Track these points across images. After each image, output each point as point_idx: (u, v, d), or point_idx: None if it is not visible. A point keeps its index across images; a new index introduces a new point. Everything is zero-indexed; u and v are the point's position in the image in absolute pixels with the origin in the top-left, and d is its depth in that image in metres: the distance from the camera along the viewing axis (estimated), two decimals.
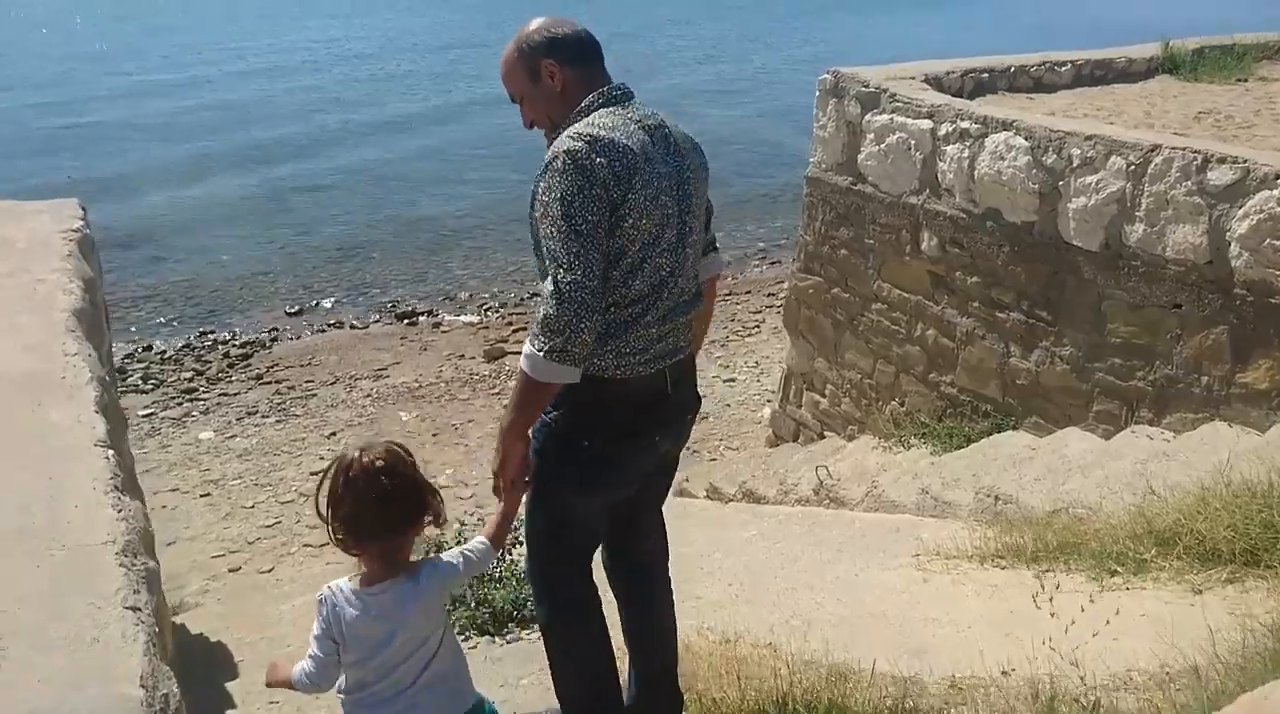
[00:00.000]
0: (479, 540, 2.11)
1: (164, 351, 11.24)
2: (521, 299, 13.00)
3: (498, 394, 9.57)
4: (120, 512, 2.31)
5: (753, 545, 4.99)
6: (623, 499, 2.36)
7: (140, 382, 10.29)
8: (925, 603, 3.40)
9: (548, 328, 1.98)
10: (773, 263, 14.52)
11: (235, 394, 9.96)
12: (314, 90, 25.28)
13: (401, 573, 1.92)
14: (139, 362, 10.97)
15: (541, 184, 2.05)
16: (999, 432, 5.39)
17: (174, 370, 10.65)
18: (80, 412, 2.72)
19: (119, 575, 2.08)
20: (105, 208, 16.01)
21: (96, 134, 20.90)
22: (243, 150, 19.73)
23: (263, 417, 9.29)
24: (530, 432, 2.15)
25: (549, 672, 2.45)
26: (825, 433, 6.95)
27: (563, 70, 2.20)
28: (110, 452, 2.54)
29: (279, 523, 7.07)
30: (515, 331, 11.63)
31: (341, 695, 1.98)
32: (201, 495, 7.58)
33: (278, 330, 11.82)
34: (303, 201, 16.87)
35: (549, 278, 2.00)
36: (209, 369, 10.65)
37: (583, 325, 1.97)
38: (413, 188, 17.97)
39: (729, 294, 12.90)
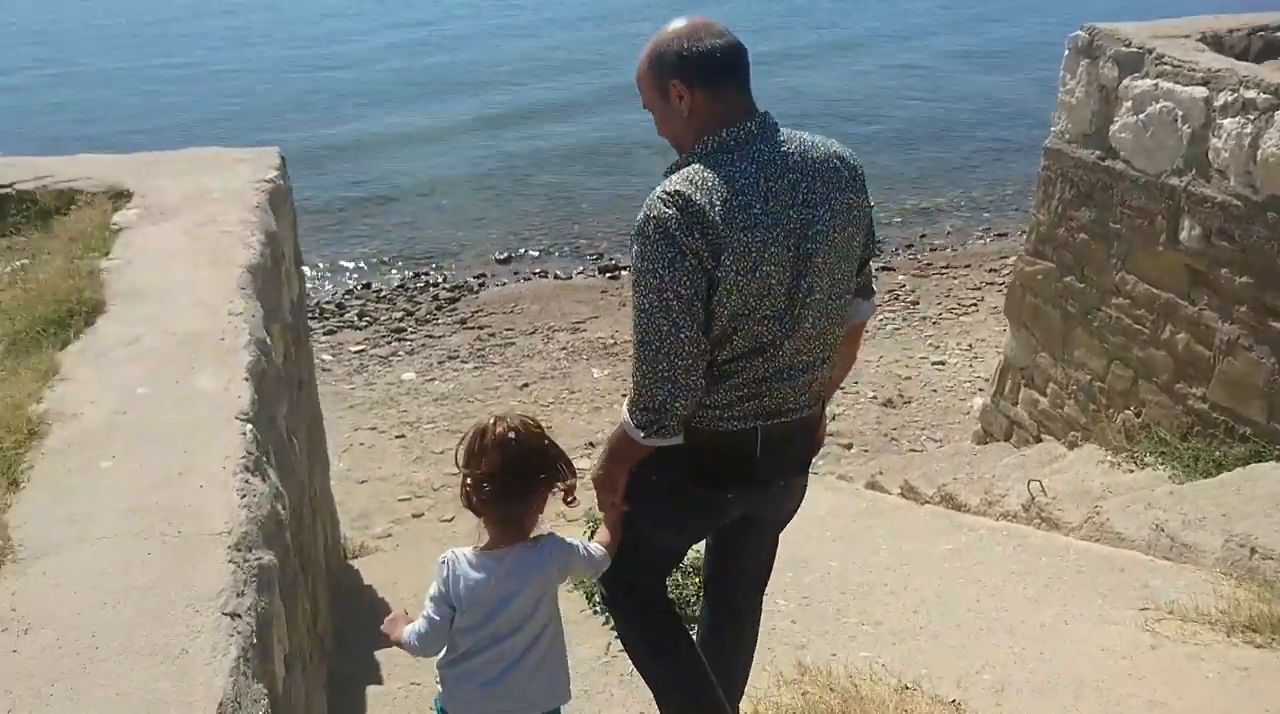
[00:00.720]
0: (597, 545, 2.11)
1: (380, 291, 11.69)
2: None
3: None
4: (245, 498, 2.17)
5: (947, 564, 4.48)
6: (701, 541, 2.38)
7: (356, 318, 10.75)
8: (1151, 678, 2.84)
9: (642, 406, 1.95)
10: (999, 235, 13.43)
11: (439, 337, 10.21)
12: (552, 51, 25.50)
13: (523, 542, 1.95)
14: (358, 298, 11.48)
15: (634, 249, 1.93)
16: (1259, 460, 4.58)
17: (387, 309, 11.05)
18: (230, 379, 2.63)
19: (226, 574, 1.93)
20: (344, 159, 16.94)
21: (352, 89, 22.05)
22: (477, 111, 20.10)
23: (462, 362, 9.47)
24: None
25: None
26: (1042, 436, 6.24)
27: (692, 94, 1.99)
28: (249, 427, 2.41)
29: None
30: None
31: (442, 665, 1.99)
32: (396, 436, 7.79)
33: (485, 276, 12.05)
34: (522, 154, 17.10)
35: (640, 350, 1.93)
36: (419, 310, 10.99)
37: (677, 404, 1.93)
38: (630, 145, 17.86)
39: (946, 267, 12.05)
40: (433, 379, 9.01)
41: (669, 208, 1.87)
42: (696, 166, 1.94)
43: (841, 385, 2.79)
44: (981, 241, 13.21)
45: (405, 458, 7.40)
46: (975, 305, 10.65)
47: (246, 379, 2.66)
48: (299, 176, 15.93)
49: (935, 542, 4.86)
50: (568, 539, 2.04)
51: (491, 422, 1.92)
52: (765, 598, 2.64)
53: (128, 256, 3.35)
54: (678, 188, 1.89)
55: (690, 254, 1.87)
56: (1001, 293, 11.09)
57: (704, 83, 1.98)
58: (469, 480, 1.92)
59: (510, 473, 1.89)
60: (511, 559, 1.93)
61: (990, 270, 11.81)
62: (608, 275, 11.99)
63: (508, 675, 1.94)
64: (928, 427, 7.66)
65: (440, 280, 12.02)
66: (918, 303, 10.77)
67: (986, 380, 8.41)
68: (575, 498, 1.98)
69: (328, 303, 11.30)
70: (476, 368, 9.27)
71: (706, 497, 2.14)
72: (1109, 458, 5.38)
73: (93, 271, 3.21)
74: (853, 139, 18.11)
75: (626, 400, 1.99)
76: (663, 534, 2.22)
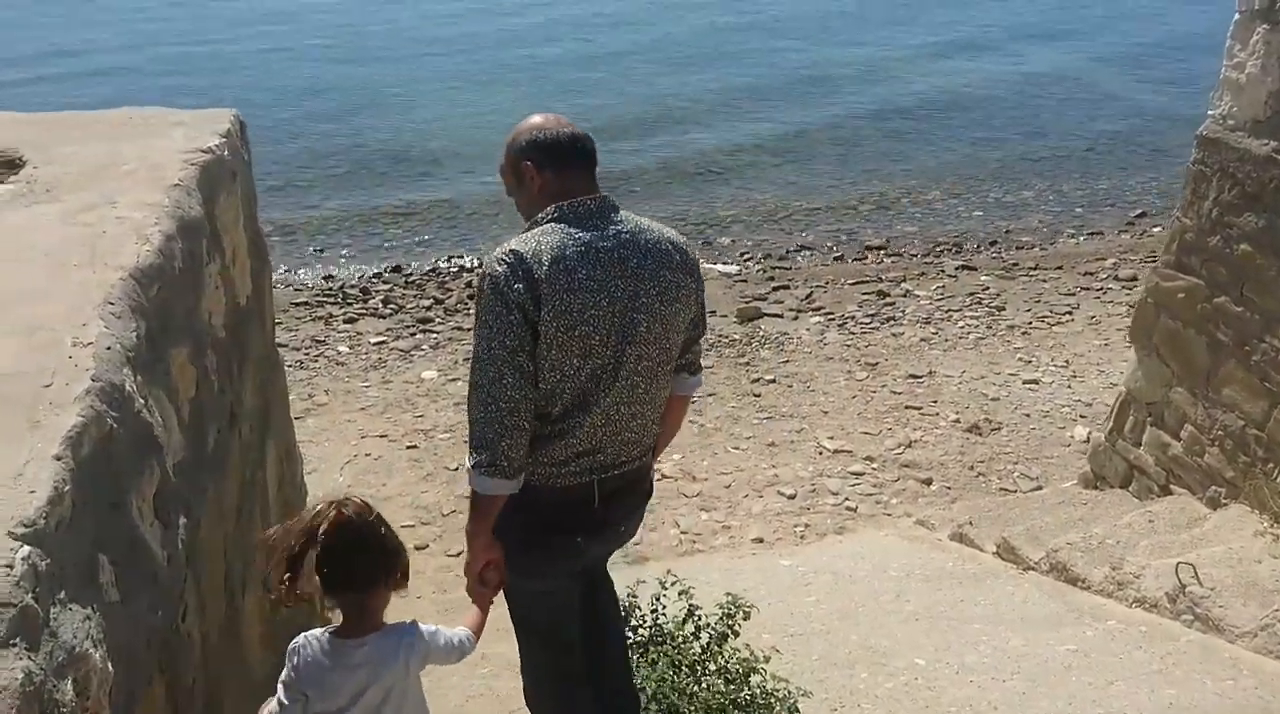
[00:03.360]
0: (462, 629, 2.14)
1: (410, 275, 10.82)
2: (788, 252, 11.58)
3: (746, 364, 8.28)
4: None
5: (1074, 677, 3.43)
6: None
7: (380, 305, 9.89)
8: None
9: (474, 444, 2.13)
10: (1092, 234, 12.16)
11: (469, 330, 9.27)
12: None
13: (377, 631, 1.93)
14: (385, 283, 10.62)
15: (476, 303, 2.14)
16: None
17: (415, 296, 10.18)
18: (28, 459, 1.66)
19: None
20: (388, 119, 16.12)
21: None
22: (530, 84, 19.23)
23: None
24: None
25: None
26: (1172, 487, 5.12)
27: (541, 174, 2.22)
28: (23, 556, 1.45)
29: None
30: (775, 289, 10.27)
31: None
32: (408, 446, 6.89)
33: None
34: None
35: (473, 394, 2.13)
36: (449, 298, 10.10)
37: (503, 443, 2.09)
38: (694, 116, 16.77)
39: (1035, 268, 10.83)
40: (456, 379, 8.09)
41: (500, 266, 2.08)
42: (534, 232, 2.14)
43: None
44: (1074, 241, 11.93)
45: (415, 473, 6.49)
46: (1069, 314, 9.44)
47: (59, 456, 1.71)
48: (337, 144, 15.14)
49: (1052, 636, 3.80)
50: (425, 629, 2.01)
51: (323, 507, 1.90)
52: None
53: None
54: (512, 247, 2.10)
55: (515, 308, 2.06)
56: (1099, 301, 9.90)
57: (551, 164, 2.21)
58: (303, 573, 1.89)
59: (342, 560, 1.87)
60: (363, 651, 1.91)
61: (1085, 273, 10.57)
62: None
63: None
64: (1021, 460, 6.54)
65: (476, 265, 11.09)
66: (1003, 309, 9.60)
67: (1088, 406, 7.27)
68: (406, 580, 1.99)
69: (352, 287, 10.45)
70: None
71: (559, 542, 2.32)
72: (1269, 527, 4.26)
73: None
74: (928, 126, 16.93)
75: (468, 452, 2.16)
76: (533, 582, 2.40)
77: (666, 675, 3.04)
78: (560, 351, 2.10)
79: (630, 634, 3.40)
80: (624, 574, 5.40)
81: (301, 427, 7.10)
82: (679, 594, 3.32)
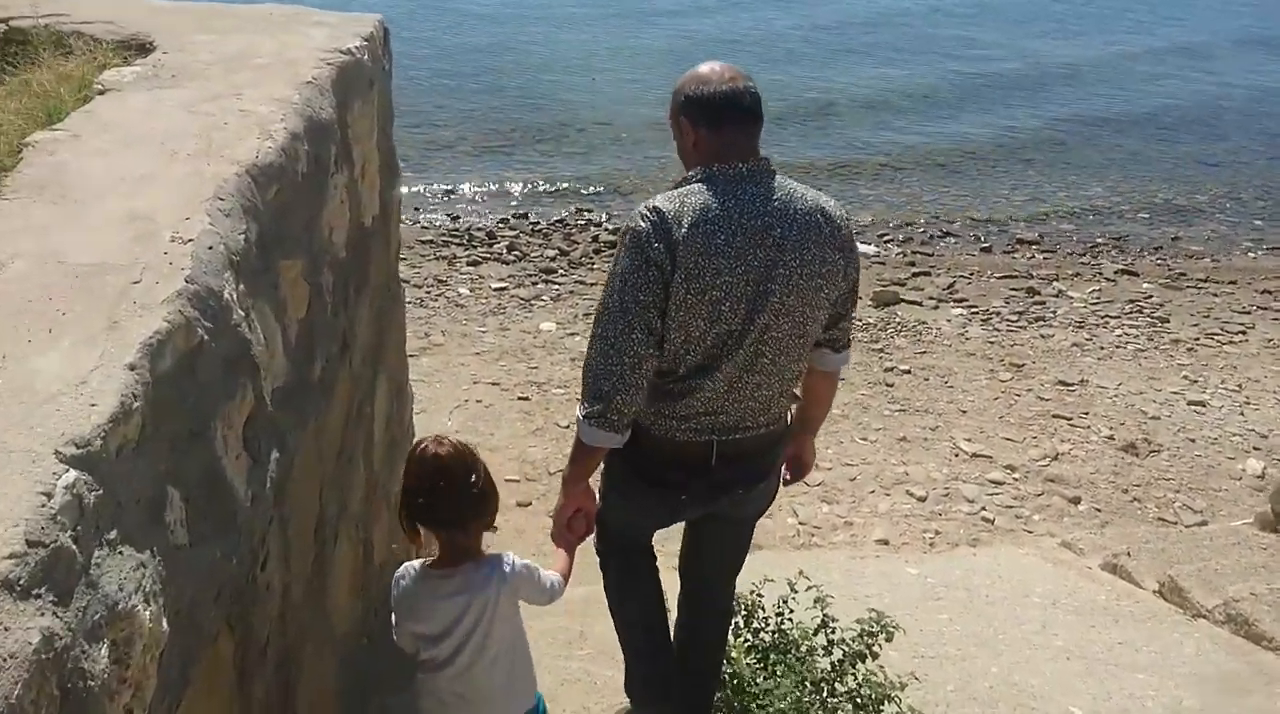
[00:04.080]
0: (554, 574, 2.13)
1: (537, 223, 10.59)
2: (931, 237, 10.91)
3: (880, 351, 7.76)
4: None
5: None
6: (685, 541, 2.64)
7: (505, 251, 9.68)
8: None
9: (588, 394, 2.11)
10: (1273, 248, 11.09)
11: (592, 284, 9.00)
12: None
13: (468, 561, 1.96)
14: (511, 229, 10.41)
15: (617, 248, 2.11)
16: None
17: (540, 245, 9.94)
18: (100, 362, 1.38)
19: None
20: (521, 77, 15.86)
21: None
22: (668, 44, 18.83)
23: None
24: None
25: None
26: None
27: (695, 131, 2.19)
28: (71, 476, 1.16)
29: None
30: (915, 275, 9.67)
31: (419, 669, 2.03)
32: (520, 397, 6.64)
33: None
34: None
35: (595, 343, 2.09)
36: (574, 251, 9.82)
37: (620, 398, 2.07)
38: (851, 110, 15.98)
39: (1205, 280, 9.92)
40: (574, 333, 7.81)
41: (644, 222, 2.07)
42: (681, 190, 2.12)
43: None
44: (1251, 255, 10.90)
45: (524, 426, 6.24)
46: (1243, 333, 8.58)
47: (133, 366, 1.42)
48: (476, 89, 15.01)
49: (1235, 705, 3.26)
50: (518, 563, 2.01)
51: (428, 445, 1.93)
52: None
53: (81, 129, 2.18)
54: (657, 204, 2.09)
55: (653, 265, 2.05)
56: (1279, 323, 8.98)
57: (710, 124, 2.16)
58: (401, 505, 1.96)
59: (430, 494, 1.90)
60: (453, 582, 1.95)
61: (1264, 292, 9.63)
62: None
63: (469, 689, 1.98)
64: (1184, 489, 5.88)
65: (604, 219, 10.80)
66: (1167, 321, 8.78)
67: (1263, 436, 6.53)
68: (492, 523, 2.00)
69: (478, 230, 10.27)
70: None
71: (660, 495, 2.35)
72: None
73: (14, 146, 2.05)
74: (1094, 115, 15.79)
75: (580, 399, 2.15)
76: (626, 516, 2.45)
77: (788, 691, 2.66)
78: (689, 314, 2.08)
79: (749, 635, 3.03)
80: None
81: (415, 365, 6.92)
82: (814, 601, 2.92)
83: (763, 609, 3.04)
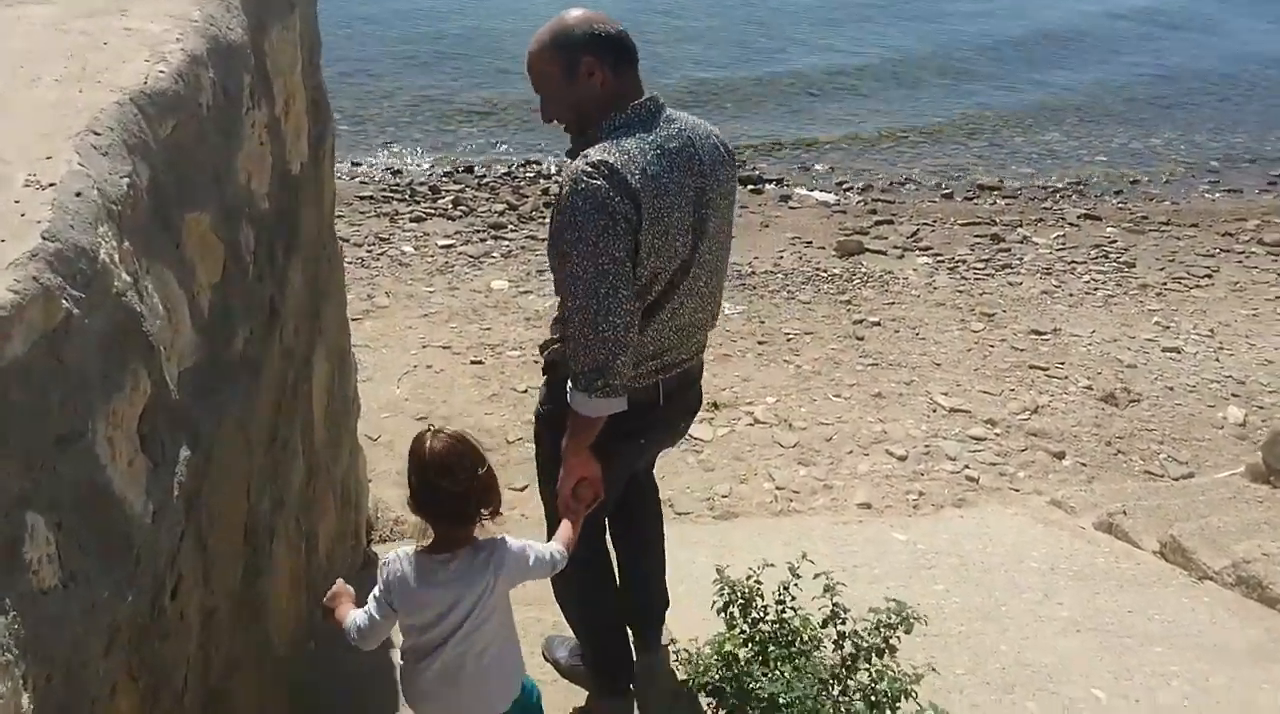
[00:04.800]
0: (555, 545, 2.09)
1: (483, 176, 10.09)
2: (891, 183, 10.62)
3: (847, 302, 7.47)
4: None
5: None
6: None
7: (450, 206, 9.19)
8: None
9: (584, 367, 2.04)
10: (1230, 191, 11.01)
11: (543, 239, 8.54)
12: None
13: (466, 547, 1.90)
14: (456, 183, 9.91)
15: (561, 220, 2.02)
16: None
17: (488, 199, 9.47)
18: None
19: None
20: (472, 10, 15.16)
21: None
22: None
23: None
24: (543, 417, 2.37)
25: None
26: None
27: (602, 69, 2.10)
28: None
29: None
30: (877, 223, 9.38)
31: (403, 652, 1.97)
32: (473, 361, 6.23)
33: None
34: (665, 36, 15.05)
35: (579, 316, 2.01)
36: (523, 204, 9.37)
37: (619, 360, 2.03)
38: (781, 34, 15.64)
39: (1166, 223, 9.81)
40: (528, 292, 7.39)
41: (596, 179, 1.97)
42: (611, 141, 2.03)
43: None
44: (1209, 197, 10.79)
45: (479, 392, 5.84)
46: (1210, 277, 8.44)
47: None
48: (416, 32, 14.28)
49: (1264, 677, 3.03)
50: (515, 545, 1.96)
51: (427, 438, 1.87)
52: None
53: None
54: (601, 158, 1.98)
55: (621, 219, 1.97)
56: (1242, 265, 8.84)
57: (616, 64, 2.10)
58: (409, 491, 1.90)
59: (430, 489, 1.85)
60: (451, 568, 1.89)
61: (1224, 234, 9.50)
62: (749, 187, 10.09)
63: (456, 680, 1.93)
64: (1168, 441, 5.69)
65: (553, 171, 10.32)
66: (1133, 266, 8.62)
67: (1240, 383, 6.37)
68: (497, 513, 1.93)
69: (421, 184, 9.75)
70: None
71: (625, 447, 2.31)
72: None
73: None
74: (1045, 60, 15.61)
75: (571, 376, 2.07)
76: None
77: (802, 693, 2.35)
78: (655, 258, 2.07)
79: (746, 626, 2.71)
80: (715, 530, 4.74)
81: (358, 330, 6.47)
82: (824, 590, 2.59)
83: (760, 596, 2.72)
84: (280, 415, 2.40)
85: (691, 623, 3.59)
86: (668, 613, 3.03)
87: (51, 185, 1.35)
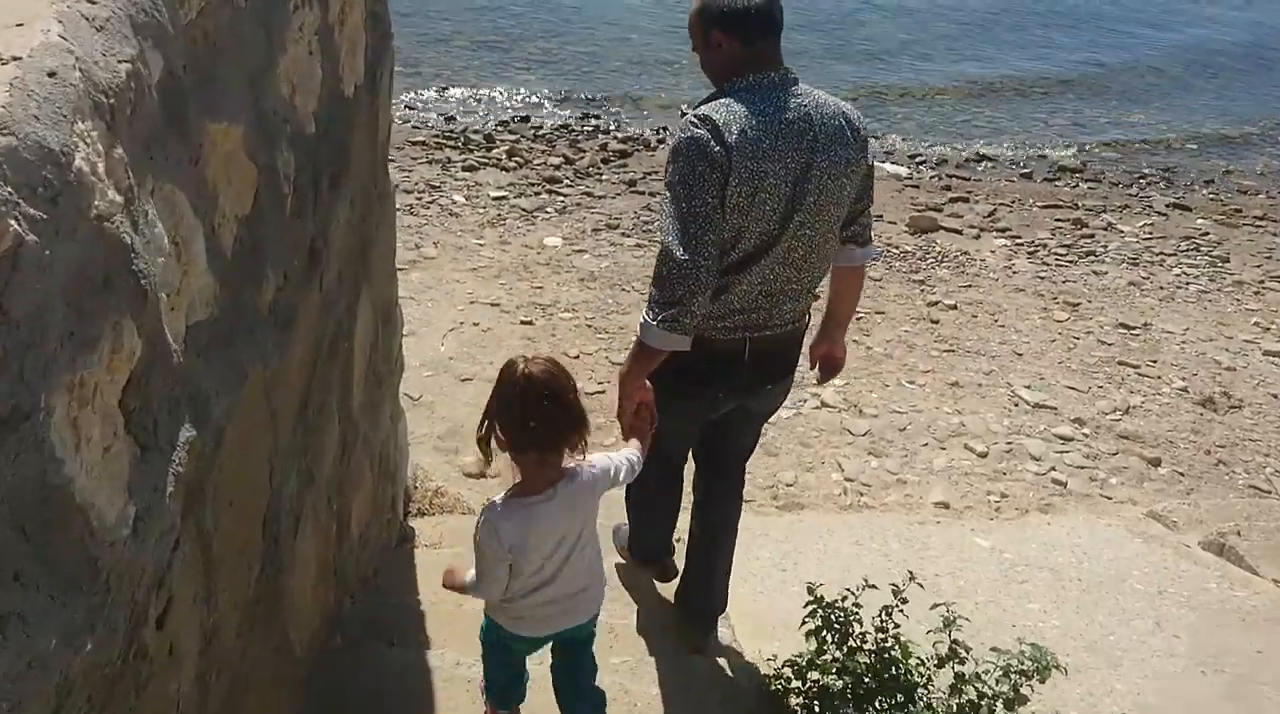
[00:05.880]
0: (631, 451, 2.12)
1: (539, 128, 9.66)
2: (965, 159, 10.07)
3: (921, 282, 6.99)
4: None
5: None
6: (704, 430, 2.70)
7: (504, 156, 8.78)
8: None
9: (663, 301, 2.13)
10: None
11: (600, 198, 8.16)
12: None
13: (559, 481, 1.90)
14: (511, 133, 9.49)
15: (670, 167, 2.16)
16: None
17: (543, 152, 9.04)
18: None
19: None
20: None
21: None
22: None
23: (623, 234, 7.40)
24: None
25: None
26: None
27: (730, 42, 2.24)
28: None
29: (602, 390, 5.15)
30: (952, 200, 8.85)
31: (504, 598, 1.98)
32: (523, 321, 5.86)
33: (666, 130, 9.82)
34: None
35: (666, 251, 2.12)
36: (580, 159, 8.93)
37: (695, 301, 2.12)
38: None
39: (1262, 217, 9.22)
40: (582, 251, 6.99)
41: (699, 129, 2.14)
42: (723, 100, 2.20)
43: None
44: None
45: (529, 352, 5.46)
46: None
47: None
48: None
49: None
50: (601, 464, 2.00)
51: (523, 365, 1.87)
52: None
53: None
54: (705, 113, 2.16)
55: (716, 168, 2.11)
56: None
57: (743, 36, 2.22)
58: (498, 425, 1.87)
59: (534, 416, 1.82)
60: (554, 505, 1.89)
61: None
62: None
63: (564, 600, 1.98)
64: (1274, 453, 5.20)
65: (612, 127, 9.88)
66: (1227, 261, 8.04)
67: None
68: (586, 444, 1.92)
69: (475, 132, 9.34)
70: (639, 245, 7.19)
71: (700, 392, 2.46)
72: None
73: None
74: (1134, 42, 14.79)
75: (646, 303, 2.18)
76: (668, 421, 2.34)
77: None
78: (739, 216, 2.16)
79: (838, 654, 2.33)
80: (779, 522, 4.36)
81: (404, 280, 6.10)
82: (943, 624, 2.19)
83: (859, 622, 2.33)
84: (315, 377, 2.03)
85: (755, 629, 3.23)
86: (728, 612, 3.07)
87: (15, 60, 0.97)
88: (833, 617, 2.31)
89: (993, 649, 2.21)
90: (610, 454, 2.04)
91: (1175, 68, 13.67)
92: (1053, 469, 4.84)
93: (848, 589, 2.36)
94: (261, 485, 1.64)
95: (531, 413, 1.81)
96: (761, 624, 3.24)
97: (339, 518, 2.41)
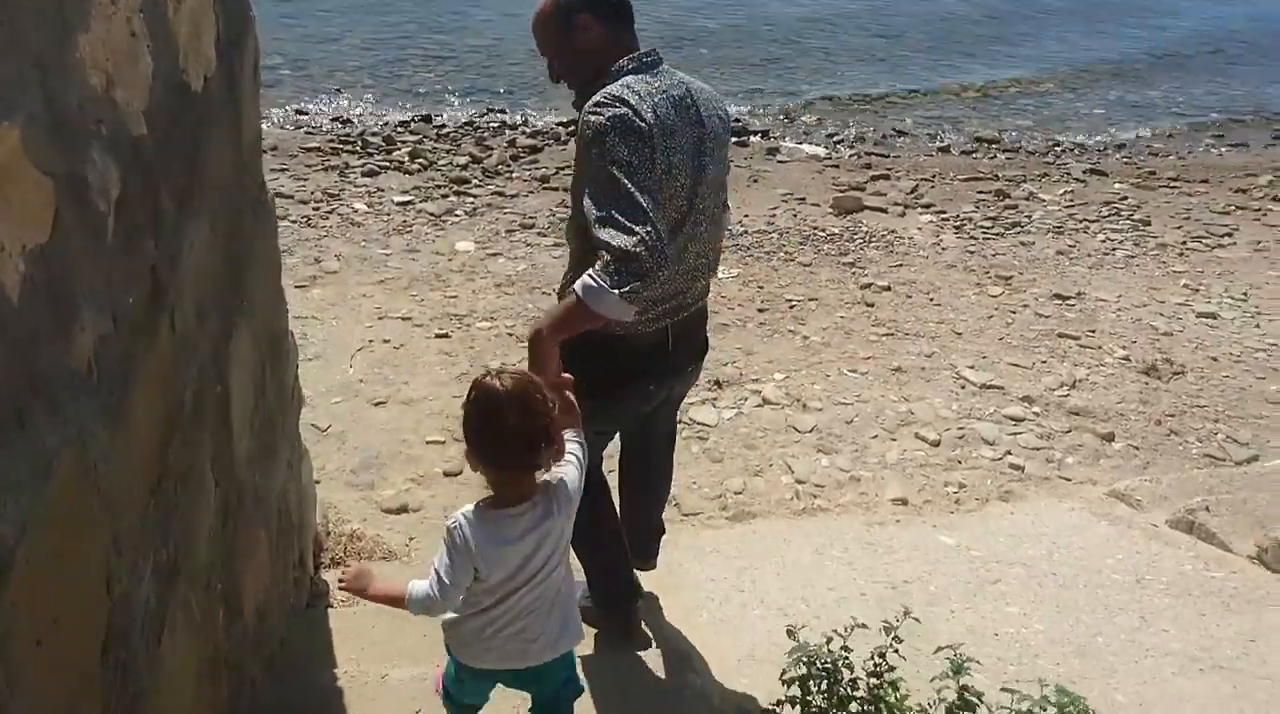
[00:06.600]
0: (572, 437, 1.97)
1: (443, 127, 9.22)
2: (885, 135, 9.93)
3: (852, 265, 6.77)
4: None
5: None
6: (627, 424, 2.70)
7: (407, 158, 8.32)
8: None
9: (632, 272, 2.00)
10: (1235, 145, 10.44)
11: (512, 196, 7.76)
12: None
13: (535, 494, 1.85)
14: (412, 133, 9.04)
15: (595, 152, 2.06)
16: None
17: (448, 152, 8.61)
18: None
19: None
20: None
21: None
22: None
23: (539, 234, 7.02)
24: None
25: None
26: None
27: (599, 25, 2.24)
28: None
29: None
30: (874, 178, 8.68)
31: (452, 619, 1.92)
32: (438, 334, 5.44)
33: (576, 124, 9.47)
34: None
35: (626, 230, 2.00)
36: (488, 157, 8.52)
37: (661, 274, 2.05)
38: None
39: (1175, 178, 9.24)
40: (497, 254, 6.59)
41: (619, 107, 2.07)
42: (623, 80, 2.15)
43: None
44: (1214, 152, 10.25)
45: (446, 371, 5.06)
46: (1229, 235, 7.87)
47: None
48: None
49: None
50: (567, 477, 1.91)
51: (493, 379, 1.79)
52: None
53: None
54: (617, 94, 2.10)
55: (646, 144, 2.07)
56: (1261, 223, 8.28)
57: (609, 19, 2.25)
58: (470, 443, 1.82)
59: (506, 432, 1.76)
60: (527, 520, 1.83)
61: (1237, 191, 8.96)
62: (733, 139, 9.32)
63: (526, 622, 1.88)
64: (1222, 418, 5.08)
65: (519, 122, 9.48)
66: (1149, 224, 8.02)
67: None
68: (561, 455, 1.88)
69: (374, 135, 8.85)
70: (557, 244, 6.82)
71: (634, 391, 2.45)
72: None
73: None
74: (1031, 9, 14.92)
75: (597, 270, 2.00)
76: (600, 424, 2.38)
77: None
78: (660, 193, 2.11)
79: (824, 704, 2.01)
80: (731, 535, 4.04)
81: (304, 298, 5.67)
82: (953, 670, 1.89)
83: (849, 667, 2.01)
84: (173, 441, 1.62)
85: (720, 667, 2.91)
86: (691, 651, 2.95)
87: None
88: (818, 663, 1.99)
89: (1004, 689, 1.91)
90: (566, 464, 1.93)
91: (1074, 31, 13.79)
92: (1008, 453, 4.62)
93: (835, 630, 2.04)
94: (92, 601, 1.24)
95: (502, 428, 1.74)
96: (725, 660, 2.92)
97: (227, 600, 2.00)
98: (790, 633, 2.07)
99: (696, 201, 2.24)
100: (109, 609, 1.30)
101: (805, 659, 1.98)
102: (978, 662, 1.95)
